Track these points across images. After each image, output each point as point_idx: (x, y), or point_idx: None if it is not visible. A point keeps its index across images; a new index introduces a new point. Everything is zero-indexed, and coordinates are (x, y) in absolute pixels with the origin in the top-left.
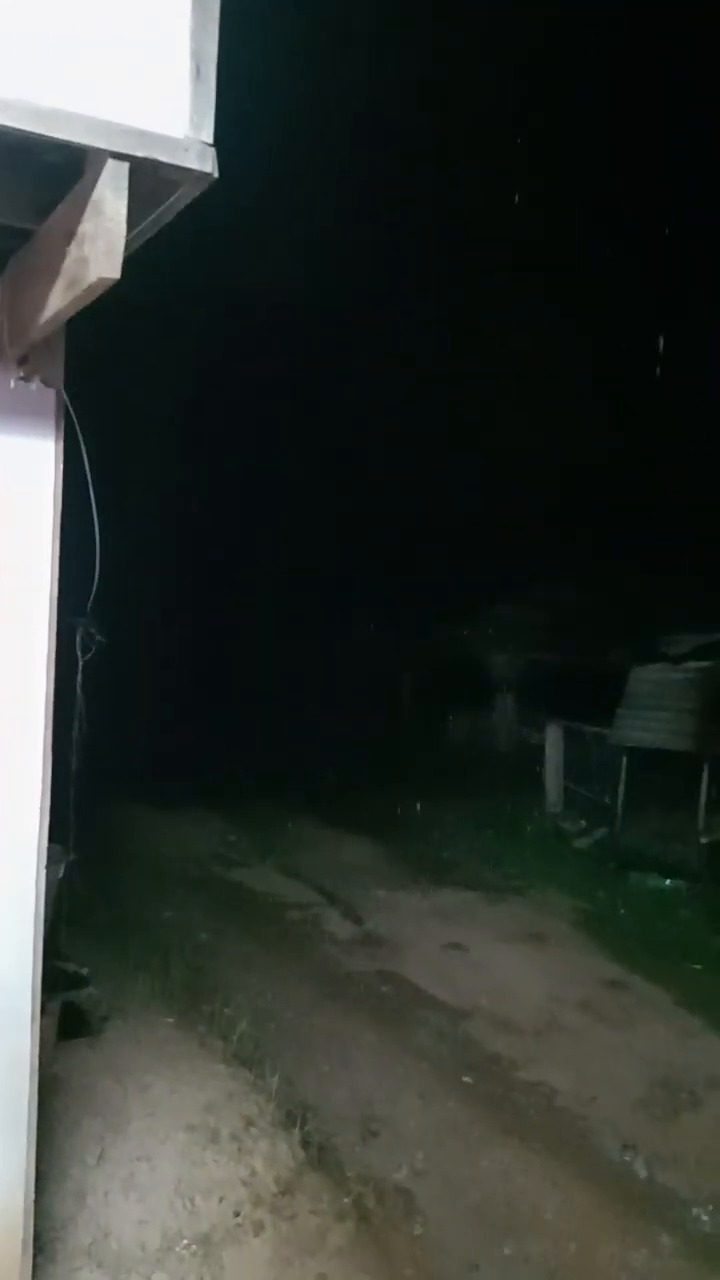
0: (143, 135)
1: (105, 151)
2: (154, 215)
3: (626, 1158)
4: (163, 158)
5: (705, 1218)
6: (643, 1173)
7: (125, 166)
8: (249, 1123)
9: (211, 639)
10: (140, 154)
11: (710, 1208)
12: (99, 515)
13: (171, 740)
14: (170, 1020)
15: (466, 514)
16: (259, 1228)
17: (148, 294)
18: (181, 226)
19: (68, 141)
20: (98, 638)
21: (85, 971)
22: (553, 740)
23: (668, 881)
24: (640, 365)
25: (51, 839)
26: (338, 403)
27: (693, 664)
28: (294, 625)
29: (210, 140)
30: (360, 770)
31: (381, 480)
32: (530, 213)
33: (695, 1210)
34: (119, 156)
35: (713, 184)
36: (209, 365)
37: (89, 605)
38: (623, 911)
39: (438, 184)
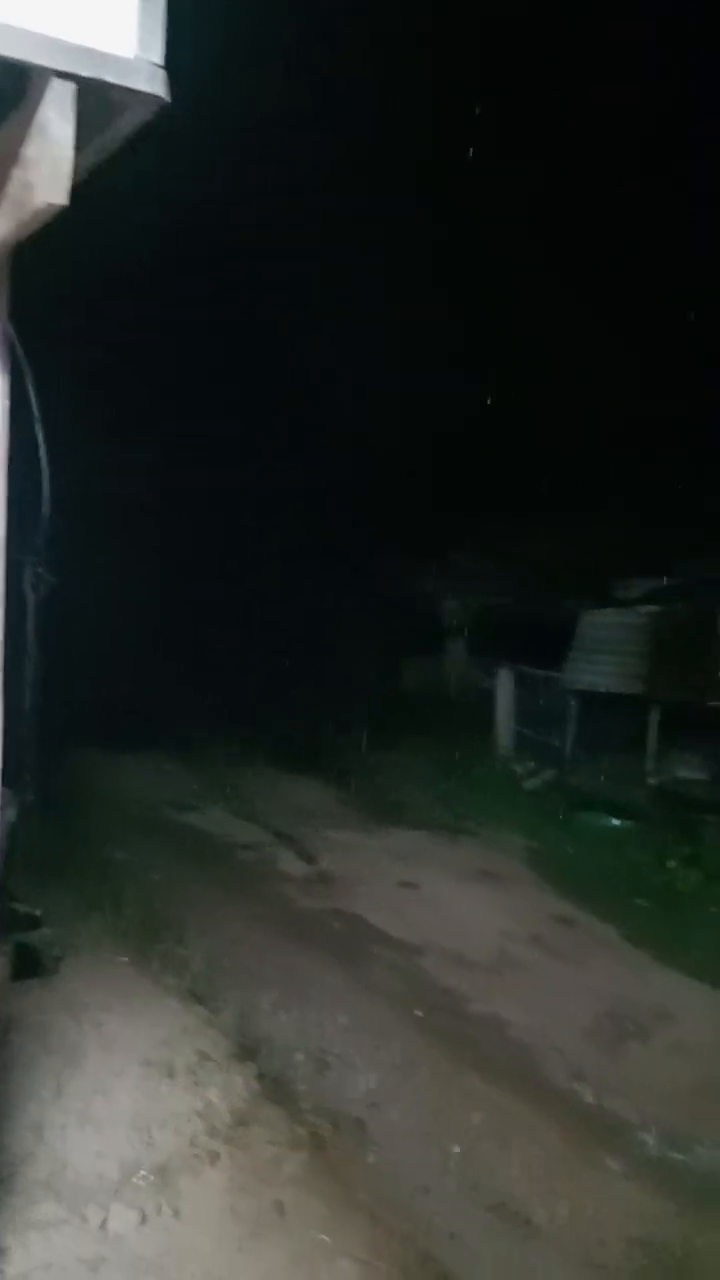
0: (89, 54)
1: (50, 70)
2: (101, 140)
3: (575, 1086)
4: (110, 78)
5: (651, 1142)
6: (591, 1100)
7: (71, 87)
8: (204, 1057)
9: (166, 584)
10: (86, 74)
11: (655, 1132)
12: (47, 452)
13: (125, 685)
14: (125, 959)
15: (419, 457)
16: (215, 1158)
17: (97, 225)
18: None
19: (9, 58)
20: (48, 578)
21: (39, 913)
22: (504, 684)
23: (616, 821)
24: (601, 301)
25: (4, 782)
26: (289, 341)
27: (643, 608)
28: (249, 571)
29: (160, 61)
30: (314, 715)
31: (335, 424)
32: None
33: (641, 1135)
34: (64, 76)
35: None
36: (162, 303)
37: (38, 544)
38: (572, 850)
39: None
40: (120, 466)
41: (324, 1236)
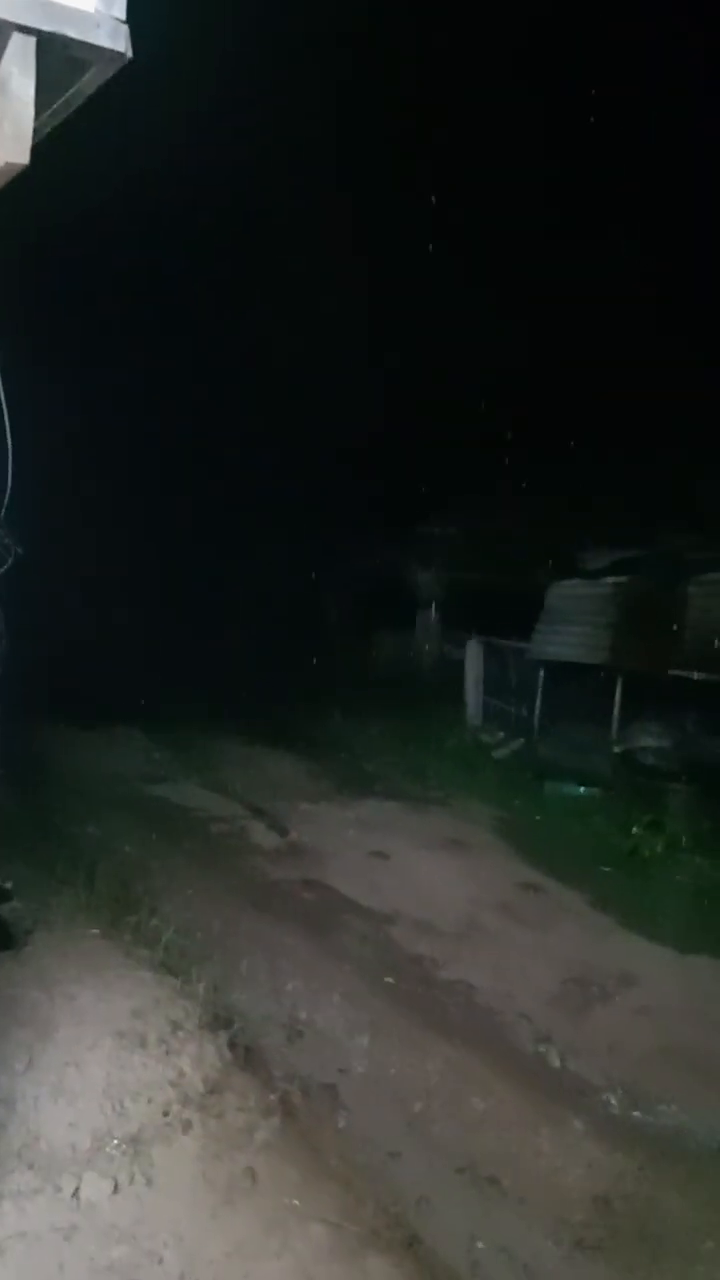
0: (49, 7)
1: (10, 24)
2: (64, 98)
3: (541, 1049)
4: (72, 34)
5: (614, 1102)
6: (556, 1063)
7: (32, 41)
8: (176, 1027)
9: (136, 556)
10: (48, 29)
11: (619, 1093)
12: (10, 420)
13: (95, 658)
14: (96, 931)
15: (390, 430)
16: (187, 1126)
17: (59, 186)
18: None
19: None
20: (16, 549)
21: (8, 885)
22: (473, 656)
23: (582, 789)
24: (567, 275)
25: None
26: (261, 314)
27: (609, 579)
28: (220, 543)
29: (123, 16)
30: (284, 688)
31: (307, 397)
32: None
33: (605, 1096)
34: (25, 30)
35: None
36: (133, 268)
37: (1, 513)
38: (539, 819)
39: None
40: (89, 437)
41: (295, 1201)
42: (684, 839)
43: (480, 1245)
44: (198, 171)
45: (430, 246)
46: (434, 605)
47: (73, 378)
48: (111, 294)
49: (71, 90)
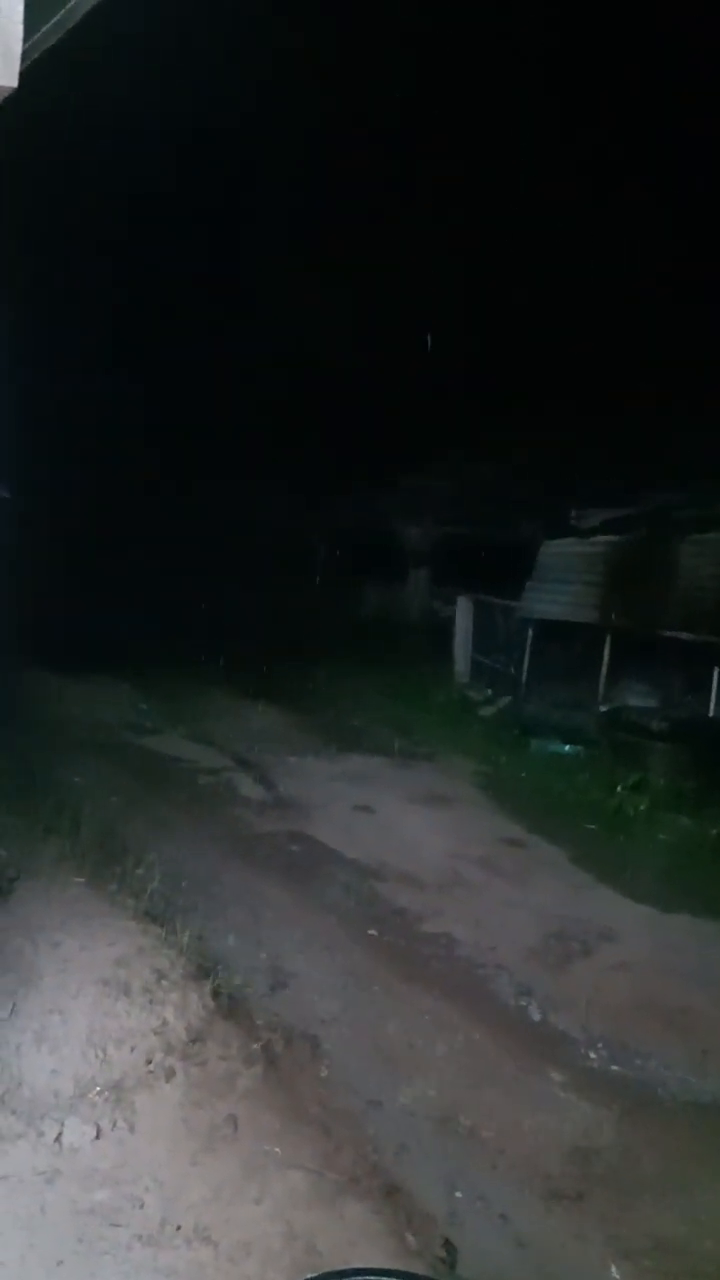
0: None
1: None
2: (56, 19)
3: (521, 1002)
4: None
5: (593, 1055)
6: (536, 1016)
7: None
8: (160, 976)
9: (124, 508)
10: None
11: (599, 1046)
12: None
13: (81, 607)
14: (81, 880)
15: (381, 382)
16: (170, 1074)
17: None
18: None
19: None
20: (1, 494)
21: None
22: (462, 612)
23: (567, 747)
24: (558, 229)
25: None
26: (243, 259)
27: (600, 538)
28: (210, 495)
29: None
30: (272, 641)
31: (294, 347)
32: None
33: (584, 1049)
34: None
35: None
36: (110, 220)
37: None
38: (524, 776)
39: None
40: (77, 388)
41: (276, 1149)
42: (668, 798)
43: (458, 1194)
44: (170, 109)
45: (419, 197)
46: (424, 560)
47: (58, 330)
48: (94, 245)
49: (64, 10)
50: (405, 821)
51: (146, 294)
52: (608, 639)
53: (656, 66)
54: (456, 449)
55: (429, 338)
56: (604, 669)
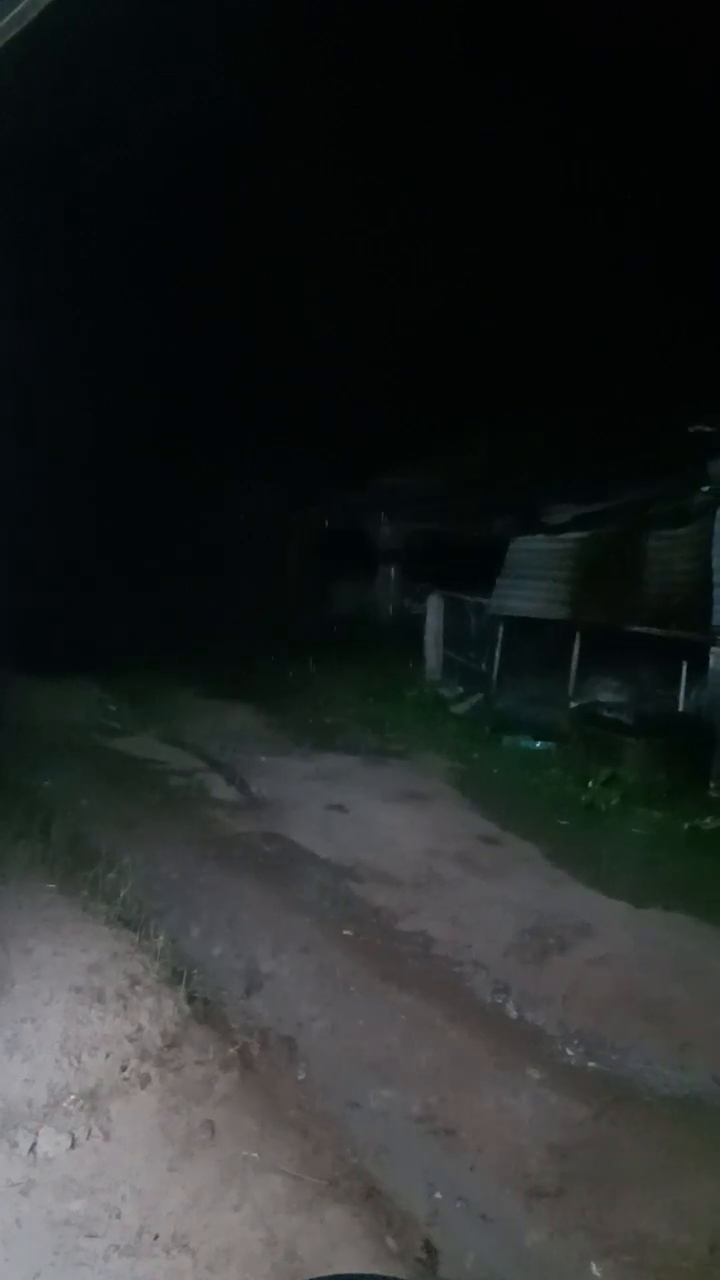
0: None
1: None
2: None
3: (498, 1000)
4: None
5: (570, 1052)
6: (513, 1013)
7: None
8: (134, 981)
9: (91, 503)
10: None
11: (576, 1043)
12: None
13: (49, 607)
14: (52, 886)
15: (351, 379)
16: (146, 1080)
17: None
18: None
19: None
20: None
21: None
22: (433, 610)
23: (539, 743)
24: (529, 235)
25: None
26: (220, 249)
27: (570, 534)
28: (179, 492)
29: None
30: (244, 640)
31: (269, 341)
32: None
33: (562, 1046)
34: None
35: None
36: (92, 209)
37: None
38: (497, 772)
39: None
40: (44, 388)
41: (254, 1153)
42: (639, 792)
43: (438, 1195)
44: (160, 93)
45: (396, 191)
46: (395, 557)
47: (28, 325)
48: (73, 233)
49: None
50: (380, 820)
51: (121, 296)
52: (578, 635)
53: (648, 66)
54: (428, 447)
55: (401, 337)
56: (574, 665)
